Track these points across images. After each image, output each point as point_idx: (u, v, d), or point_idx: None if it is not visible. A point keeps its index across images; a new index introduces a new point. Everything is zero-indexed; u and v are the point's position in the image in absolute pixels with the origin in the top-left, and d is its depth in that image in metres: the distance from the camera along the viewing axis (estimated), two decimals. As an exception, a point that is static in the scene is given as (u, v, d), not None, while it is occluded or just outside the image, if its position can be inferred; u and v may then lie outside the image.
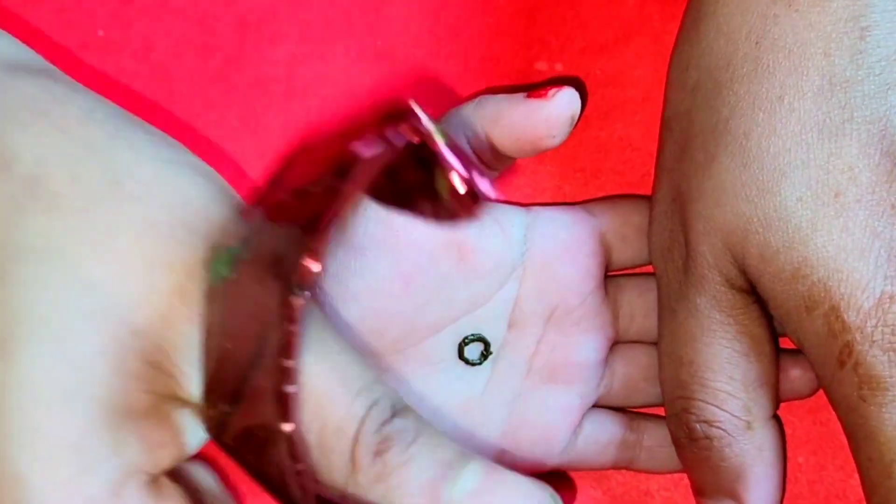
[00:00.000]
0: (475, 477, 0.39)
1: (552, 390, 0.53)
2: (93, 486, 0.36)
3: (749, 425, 0.49)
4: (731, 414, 0.49)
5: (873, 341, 0.44)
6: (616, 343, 0.55)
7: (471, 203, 0.40)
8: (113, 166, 0.40)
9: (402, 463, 0.39)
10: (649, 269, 0.55)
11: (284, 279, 0.36)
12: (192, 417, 0.39)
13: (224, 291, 0.38)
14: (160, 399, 0.39)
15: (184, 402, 0.39)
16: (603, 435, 0.54)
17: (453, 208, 0.40)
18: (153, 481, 0.39)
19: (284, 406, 0.36)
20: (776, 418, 0.50)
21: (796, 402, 0.54)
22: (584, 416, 0.54)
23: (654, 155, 0.56)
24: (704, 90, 0.49)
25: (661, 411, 0.55)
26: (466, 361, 0.53)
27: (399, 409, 0.40)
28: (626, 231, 0.54)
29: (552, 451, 0.53)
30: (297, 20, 0.58)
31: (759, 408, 0.49)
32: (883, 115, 0.45)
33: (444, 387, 0.53)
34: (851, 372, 0.44)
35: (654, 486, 0.55)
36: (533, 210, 0.54)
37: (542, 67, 0.57)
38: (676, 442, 0.51)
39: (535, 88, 0.49)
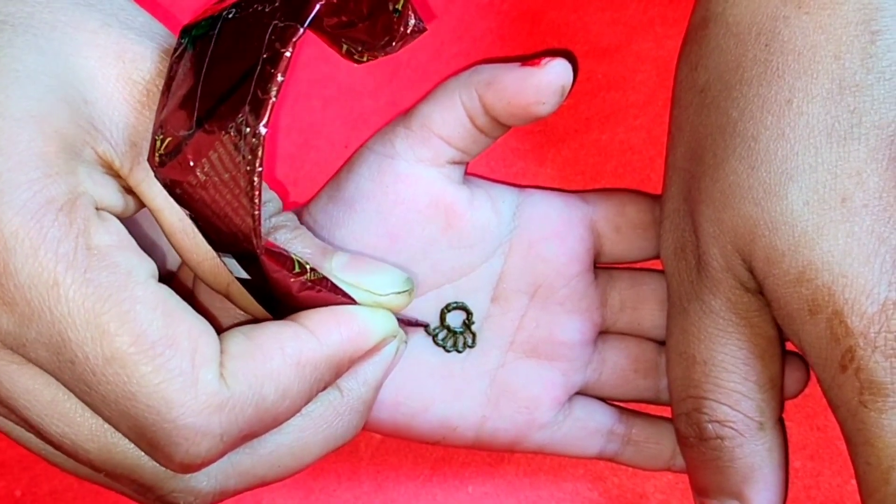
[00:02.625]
0: (344, 257, 0.47)
1: (535, 365, 0.53)
2: (54, 190, 0.39)
3: (762, 426, 0.49)
4: (744, 414, 0.48)
5: (876, 347, 0.44)
6: (607, 333, 0.55)
7: (416, 26, 0.45)
8: None
9: (287, 242, 0.46)
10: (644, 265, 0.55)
11: (290, 16, 0.40)
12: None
13: (203, 43, 0.42)
14: (99, 158, 0.42)
15: (109, 166, 0.42)
16: (591, 421, 0.54)
17: (401, 27, 0.45)
18: (98, 208, 0.41)
19: (262, 110, 0.39)
20: (781, 420, 0.50)
21: (793, 406, 0.53)
22: (573, 400, 0.54)
23: (655, 159, 0.56)
24: (714, 92, 0.48)
25: (651, 409, 0.55)
26: (444, 349, 0.53)
27: (280, 211, 0.48)
28: (620, 222, 0.54)
29: (534, 424, 0.53)
30: None
31: (771, 409, 0.49)
32: (892, 119, 0.45)
33: (426, 349, 0.53)
34: (853, 376, 0.44)
35: (650, 489, 0.55)
36: (525, 191, 0.54)
37: None
38: (684, 441, 0.51)
39: (530, 58, 0.50)
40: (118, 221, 0.42)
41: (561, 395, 0.53)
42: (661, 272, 0.53)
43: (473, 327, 0.53)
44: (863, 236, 0.44)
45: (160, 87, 0.42)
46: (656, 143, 0.56)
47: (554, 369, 0.53)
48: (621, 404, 0.55)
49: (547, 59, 0.49)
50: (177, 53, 0.42)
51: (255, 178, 0.40)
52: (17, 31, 0.41)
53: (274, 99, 0.39)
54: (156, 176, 0.41)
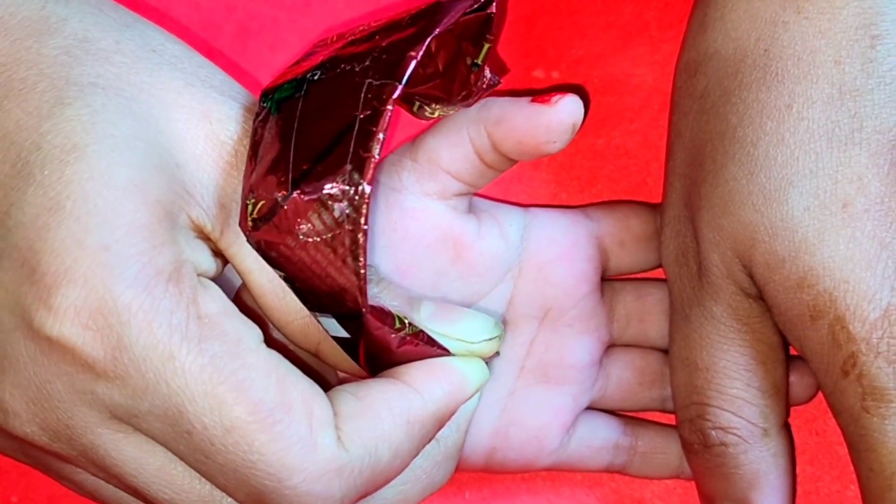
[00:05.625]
0: (431, 306, 0.47)
1: (544, 390, 0.52)
2: (162, 261, 0.39)
3: (766, 432, 0.48)
4: (747, 421, 0.48)
5: (879, 352, 0.43)
6: (612, 346, 0.54)
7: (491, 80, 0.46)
8: (148, 40, 0.43)
9: (374, 296, 0.46)
10: (647, 275, 0.54)
11: (383, 74, 0.40)
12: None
13: (289, 106, 0.42)
14: (192, 223, 0.42)
15: (201, 231, 0.42)
16: (596, 438, 0.53)
17: (478, 82, 0.46)
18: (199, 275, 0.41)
19: (366, 169, 0.39)
20: (787, 425, 0.50)
21: (792, 411, 0.52)
22: (577, 418, 0.53)
23: (651, 163, 0.55)
24: (713, 97, 0.48)
25: (657, 416, 0.54)
26: None
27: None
28: (623, 236, 0.53)
29: (543, 451, 0.52)
30: (298, 27, 0.57)
31: (775, 415, 0.49)
32: (893, 125, 0.44)
33: None
34: (855, 382, 0.44)
35: (648, 495, 0.54)
36: (531, 211, 0.53)
37: (540, 75, 0.57)
38: (688, 448, 0.50)
39: (540, 94, 0.48)
40: (218, 287, 0.41)
41: (569, 419, 0.52)
42: (665, 281, 0.52)
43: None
44: (864, 242, 0.43)
45: (246, 147, 0.42)
46: (652, 147, 0.55)
47: (563, 394, 0.52)
48: (625, 413, 0.54)
49: (557, 96, 0.47)
50: (260, 117, 0.42)
51: (360, 237, 0.40)
52: (108, 94, 0.40)
53: (376, 157, 0.39)
54: (248, 240, 0.41)
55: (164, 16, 0.56)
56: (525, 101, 0.48)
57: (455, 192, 0.50)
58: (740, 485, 0.49)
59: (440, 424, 0.45)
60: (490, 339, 0.47)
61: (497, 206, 0.53)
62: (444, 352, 0.45)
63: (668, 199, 0.51)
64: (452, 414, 0.45)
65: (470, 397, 0.46)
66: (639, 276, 0.55)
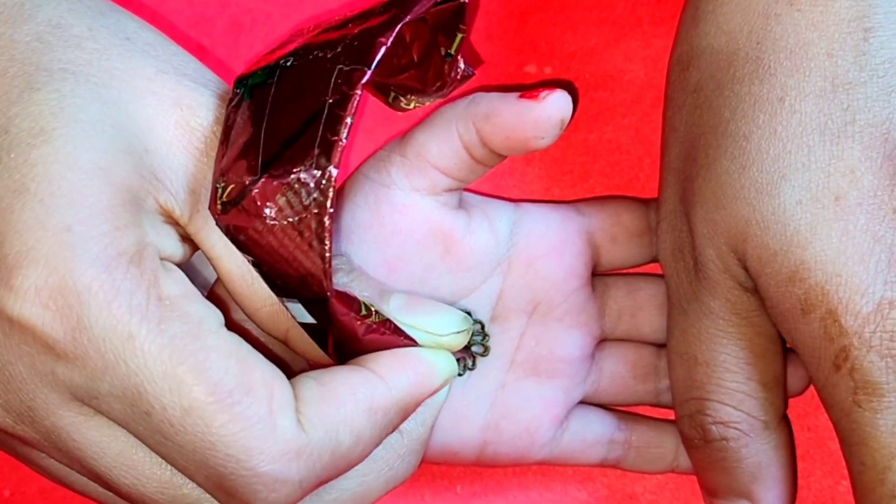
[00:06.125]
0: (401, 298, 0.47)
1: (535, 384, 0.52)
2: (124, 242, 0.39)
3: (766, 425, 0.48)
4: (748, 414, 0.48)
5: (871, 346, 0.43)
6: (604, 341, 0.54)
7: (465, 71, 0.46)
8: (122, 27, 0.43)
9: (345, 285, 0.46)
10: (640, 270, 0.54)
11: (353, 60, 0.41)
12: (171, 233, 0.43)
13: (262, 92, 0.42)
14: (160, 207, 0.42)
15: (169, 215, 0.42)
16: (590, 433, 0.53)
17: (451, 72, 0.46)
18: (161, 258, 0.41)
19: (333, 152, 0.39)
20: (786, 417, 0.50)
21: (783, 406, 0.53)
22: (570, 413, 0.53)
23: (643, 158, 0.55)
24: (706, 91, 0.48)
25: (651, 410, 0.54)
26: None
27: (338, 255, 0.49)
28: (615, 231, 0.53)
29: (535, 445, 0.52)
30: (290, 22, 0.57)
31: (775, 407, 0.49)
32: (886, 118, 0.44)
33: None
34: (847, 376, 0.44)
35: (640, 489, 0.54)
36: (521, 206, 0.53)
37: (532, 70, 0.56)
38: (689, 443, 0.50)
39: (528, 89, 0.48)
40: (181, 271, 0.41)
41: (561, 413, 0.52)
42: (657, 276, 0.53)
43: (474, 348, 0.52)
44: (857, 235, 0.43)
45: (217, 134, 0.42)
46: (644, 142, 0.55)
47: (554, 387, 0.52)
48: (620, 408, 0.54)
49: (546, 91, 0.47)
50: (233, 103, 0.42)
51: (326, 220, 0.40)
52: (78, 79, 0.41)
53: (344, 141, 0.39)
54: (217, 224, 0.41)
55: (157, 11, 0.56)
56: (513, 96, 0.48)
57: (444, 188, 0.50)
58: (742, 478, 0.49)
59: (404, 414, 0.45)
60: (458, 333, 0.47)
61: (487, 201, 0.53)
62: (412, 342, 0.45)
63: (664, 194, 0.51)
64: (418, 404, 0.45)
65: (437, 390, 0.46)
66: (631, 271, 0.55)
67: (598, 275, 0.54)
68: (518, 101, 0.48)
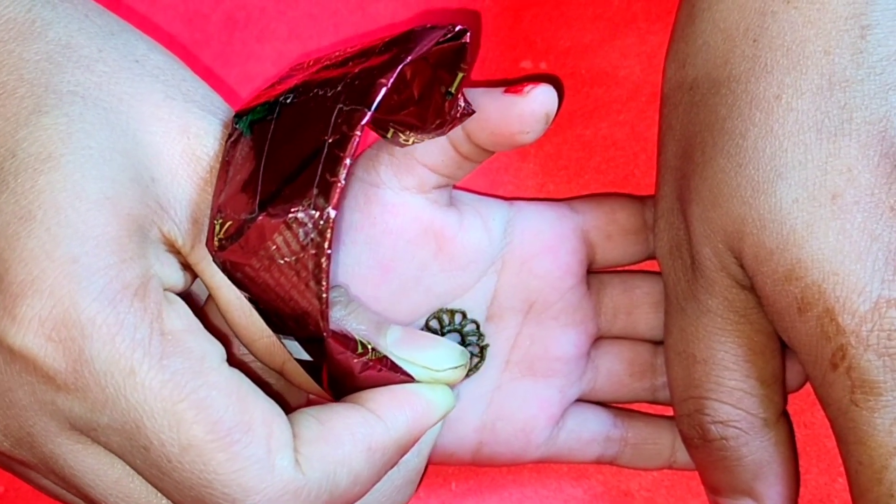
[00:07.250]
0: (398, 332, 0.46)
1: (531, 383, 0.52)
2: (129, 275, 0.39)
3: (766, 422, 0.48)
4: (747, 412, 0.48)
5: (868, 345, 0.43)
6: (600, 339, 0.54)
7: (465, 109, 0.46)
8: (132, 49, 0.43)
9: (342, 318, 0.45)
10: (635, 267, 0.54)
11: (353, 100, 0.40)
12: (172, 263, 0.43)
13: (261, 128, 0.42)
14: (163, 237, 0.42)
15: (171, 245, 0.42)
16: (587, 430, 0.53)
17: (451, 110, 0.45)
18: (164, 289, 0.41)
19: (331, 193, 0.39)
20: (786, 413, 0.50)
21: (780, 404, 0.53)
22: (567, 411, 0.53)
23: (639, 155, 0.55)
24: (702, 89, 0.47)
25: (647, 407, 0.54)
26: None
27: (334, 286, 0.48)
28: (610, 229, 0.53)
29: (531, 444, 0.52)
30: (285, 18, 0.57)
31: (774, 404, 0.48)
32: (883, 115, 0.44)
33: None
34: (844, 375, 0.43)
35: (635, 486, 0.54)
36: (515, 204, 0.53)
37: (527, 66, 0.56)
38: (689, 442, 0.50)
39: (513, 84, 0.48)
40: (184, 303, 0.41)
41: (557, 412, 0.52)
42: (653, 273, 0.53)
43: (470, 348, 0.52)
44: (854, 233, 0.43)
45: None
46: (640, 138, 0.55)
47: (550, 386, 0.52)
48: (616, 405, 0.54)
49: (530, 86, 0.47)
50: (232, 138, 0.42)
51: (324, 261, 0.39)
52: (87, 103, 0.40)
53: (342, 182, 0.39)
54: (214, 260, 0.41)
55: (152, 6, 0.56)
56: (498, 91, 0.47)
57: (434, 185, 0.50)
58: (744, 476, 0.49)
59: (403, 451, 0.44)
60: (455, 368, 0.46)
61: (480, 199, 0.53)
62: (408, 378, 0.45)
63: (661, 192, 0.50)
64: (416, 441, 0.45)
65: (434, 424, 0.46)
66: (627, 268, 0.55)
67: (594, 273, 0.54)
68: (502, 95, 0.47)
